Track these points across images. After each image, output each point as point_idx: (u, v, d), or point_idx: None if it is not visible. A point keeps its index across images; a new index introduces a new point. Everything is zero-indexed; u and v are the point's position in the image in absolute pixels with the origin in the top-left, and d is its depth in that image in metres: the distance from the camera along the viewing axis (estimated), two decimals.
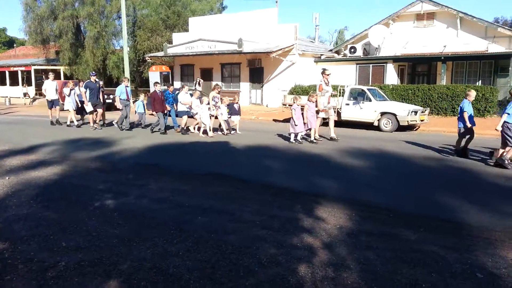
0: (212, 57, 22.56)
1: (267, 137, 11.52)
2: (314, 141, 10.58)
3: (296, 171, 7.41)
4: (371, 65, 20.79)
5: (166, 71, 24.39)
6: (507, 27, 21.07)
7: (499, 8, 72.49)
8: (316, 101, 10.64)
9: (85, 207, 5.10)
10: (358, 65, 21.17)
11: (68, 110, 14.35)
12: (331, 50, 25.14)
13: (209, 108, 12.07)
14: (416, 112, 13.08)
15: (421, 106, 14.73)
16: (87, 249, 3.84)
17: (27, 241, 4.06)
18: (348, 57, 22.25)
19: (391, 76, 20.19)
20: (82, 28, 30.34)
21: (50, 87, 14.74)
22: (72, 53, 29.21)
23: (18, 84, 32.90)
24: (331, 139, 10.94)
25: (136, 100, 14.58)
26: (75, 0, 28.94)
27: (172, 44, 24.74)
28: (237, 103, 12.80)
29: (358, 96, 14.12)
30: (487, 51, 18.89)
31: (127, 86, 13.81)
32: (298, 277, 3.31)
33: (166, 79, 23.95)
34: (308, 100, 10.60)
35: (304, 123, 10.45)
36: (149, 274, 3.37)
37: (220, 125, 12.40)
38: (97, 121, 13.80)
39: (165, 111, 12.70)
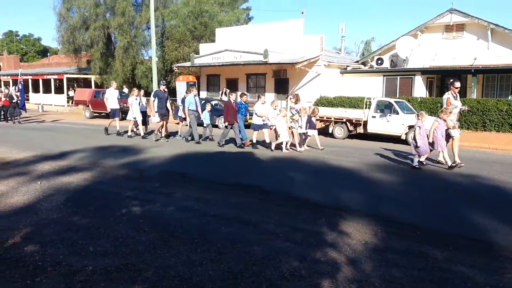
0: (238, 67, 22.78)
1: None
2: (453, 165, 8.71)
3: (321, 184, 7.36)
4: (398, 77, 20.51)
5: (193, 81, 24.77)
6: None
7: None
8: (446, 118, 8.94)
9: (113, 213, 5.23)
10: (385, 77, 20.93)
11: (131, 120, 13.56)
12: (357, 62, 24.97)
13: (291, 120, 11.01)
14: None
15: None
16: (113, 255, 3.93)
17: (57, 244, 4.18)
18: (374, 68, 22.04)
19: (420, 89, 19.85)
20: (112, 38, 31.28)
21: (112, 95, 14.31)
22: (103, 63, 30.13)
23: (51, 92, 34.07)
24: (451, 166, 8.70)
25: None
26: (106, 11, 29.91)
27: (199, 54, 25.15)
28: (314, 116, 11.92)
29: (385, 108, 13.95)
30: None
31: (196, 96, 13.05)
32: None
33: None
34: (438, 116, 9.00)
35: (430, 143, 8.76)
36: (173, 282, 3.42)
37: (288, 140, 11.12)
38: (162, 132, 13.12)
39: (234, 123, 11.82)
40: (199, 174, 7.79)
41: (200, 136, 12.77)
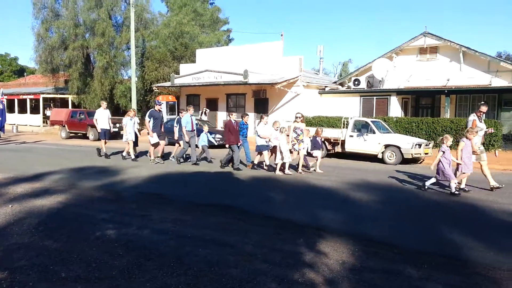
0: (218, 87, 22.90)
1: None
2: (498, 186, 8.62)
3: (301, 203, 7.37)
4: (375, 97, 20.99)
5: (173, 100, 24.74)
6: (509, 62, 21.32)
7: (502, 43, 73.65)
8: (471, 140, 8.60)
9: (87, 237, 5.09)
10: (362, 97, 21.38)
11: (126, 141, 13.09)
12: (335, 82, 25.46)
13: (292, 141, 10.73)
14: (420, 145, 13.09)
15: (425, 139, 14.75)
16: (86, 281, 3.81)
17: (27, 271, 4.03)
18: (352, 89, 22.51)
19: (395, 109, 20.33)
20: (91, 58, 31.07)
21: (102, 116, 13.81)
22: (81, 82, 29.81)
23: (26, 112, 33.40)
24: (493, 189, 8.65)
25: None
26: (86, 31, 29.80)
27: (179, 74, 25.20)
28: (319, 136, 11.55)
29: (362, 128, 14.20)
30: (490, 85, 19.07)
31: (193, 115, 12.62)
32: None
33: (172, 109, 24.27)
34: (465, 137, 8.65)
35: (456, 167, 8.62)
36: None
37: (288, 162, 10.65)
38: (159, 154, 12.75)
39: (238, 144, 11.34)
40: (177, 195, 7.70)
41: (187, 157, 12.65)
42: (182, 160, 12.38)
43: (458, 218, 6.49)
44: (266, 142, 11.02)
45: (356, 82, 22.48)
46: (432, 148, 13.92)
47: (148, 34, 30.43)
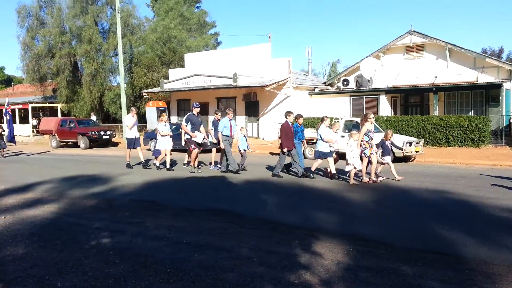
0: (208, 91, 22.95)
1: (264, 171, 11.57)
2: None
3: (295, 205, 7.41)
4: (364, 97, 21.19)
5: (163, 106, 24.70)
6: (494, 58, 21.70)
7: (486, 39, 74.70)
8: None
9: (81, 246, 5.07)
10: (351, 97, 21.56)
11: (162, 150, 11.94)
12: (324, 83, 25.64)
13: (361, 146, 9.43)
14: (411, 143, 13.23)
15: (415, 137, 14.90)
16: None
17: (22, 282, 4.01)
18: (341, 89, 22.69)
19: (385, 108, 20.53)
20: (79, 66, 30.94)
21: (131, 123, 12.53)
22: (69, 91, 29.63)
23: (15, 122, 33.05)
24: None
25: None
26: (72, 38, 29.65)
27: (168, 79, 25.21)
28: (388, 140, 10.03)
29: (353, 128, 14.28)
30: (477, 81, 19.35)
31: (232, 120, 11.61)
32: None
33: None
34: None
35: None
36: None
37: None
38: (192, 163, 11.54)
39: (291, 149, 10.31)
40: (171, 201, 7.69)
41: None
42: (226, 168, 11.29)
43: (449, 214, 6.58)
44: (330, 146, 10.06)
45: (345, 82, 22.67)
46: (423, 145, 14.08)
47: (136, 40, 30.38)
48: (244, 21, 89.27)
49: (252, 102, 22.78)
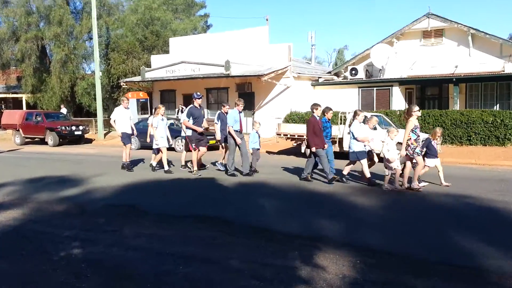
0: (196, 81, 22.93)
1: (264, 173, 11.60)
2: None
3: (293, 211, 7.44)
4: (375, 88, 21.28)
5: (144, 98, 24.68)
6: None
7: None
8: None
9: (49, 257, 5.07)
10: (360, 89, 21.65)
11: (159, 148, 11.84)
12: (329, 72, 25.72)
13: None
14: None
15: None
16: None
17: None
18: (349, 80, 22.77)
19: (398, 101, 20.63)
20: (47, 51, 30.83)
21: (123, 116, 12.27)
22: (36, 79, 29.50)
23: None
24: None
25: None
26: (40, 19, 29.52)
27: (150, 67, 25.16)
28: (435, 139, 9.60)
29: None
30: (503, 71, 19.45)
31: (241, 112, 11.27)
32: None
33: (144, 107, 24.21)
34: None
35: None
36: None
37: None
38: (193, 164, 11.41)
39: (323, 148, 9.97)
40: (153, 206, 7.70)
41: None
42: (233, 169, 11.11)
43: (468, 221, 6.63)
44: (365, 146, 9.83)
45: (354, 72, 22.74)
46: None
47: (113, 22, 30.29)
48: (238, 2, 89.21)
49: (246, 94, 22.80)
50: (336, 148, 14.61)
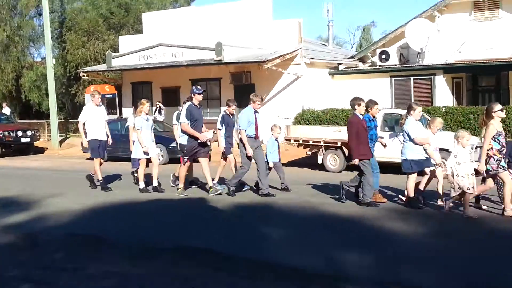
0: (179, 70, 22.86)
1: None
2: None
3: (308, 241, 7.46)
4: (412, 78, 21.19)
5: (111, 93, 24.67)
6: None
7: None
8: None
9: None
10: (393, 78, 21.59)
11: (150, 158, 11.63)
12: (352, 57, 25.71)
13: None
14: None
15: None
16: None
17: None
18: (378, 67, 22.75)
19: (443, 94, 20.53)
20: None
21: (96, 117, 11.88)
22: None
23: None
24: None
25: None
26: None
27: (118, 52, 25.13)
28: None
29: (396, 125, 14.24)
30: None
31: (257, 112, 11.23)
32: None
33: (111, 105, 24.14)
34: None
35: None
36: None
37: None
38: (180, 181, 11.33)
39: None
40: (125, 236, 7.73)
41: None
42: (233, 188, 11.00)
43: None
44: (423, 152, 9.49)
45: (384, 56, 22.71)
46: None
47: None
48: None
49: (244, 86, 22.66)
50: None
